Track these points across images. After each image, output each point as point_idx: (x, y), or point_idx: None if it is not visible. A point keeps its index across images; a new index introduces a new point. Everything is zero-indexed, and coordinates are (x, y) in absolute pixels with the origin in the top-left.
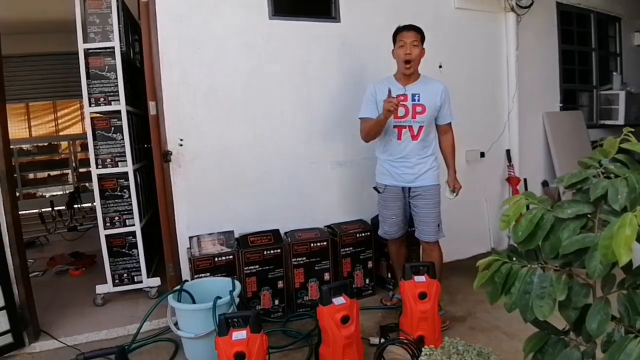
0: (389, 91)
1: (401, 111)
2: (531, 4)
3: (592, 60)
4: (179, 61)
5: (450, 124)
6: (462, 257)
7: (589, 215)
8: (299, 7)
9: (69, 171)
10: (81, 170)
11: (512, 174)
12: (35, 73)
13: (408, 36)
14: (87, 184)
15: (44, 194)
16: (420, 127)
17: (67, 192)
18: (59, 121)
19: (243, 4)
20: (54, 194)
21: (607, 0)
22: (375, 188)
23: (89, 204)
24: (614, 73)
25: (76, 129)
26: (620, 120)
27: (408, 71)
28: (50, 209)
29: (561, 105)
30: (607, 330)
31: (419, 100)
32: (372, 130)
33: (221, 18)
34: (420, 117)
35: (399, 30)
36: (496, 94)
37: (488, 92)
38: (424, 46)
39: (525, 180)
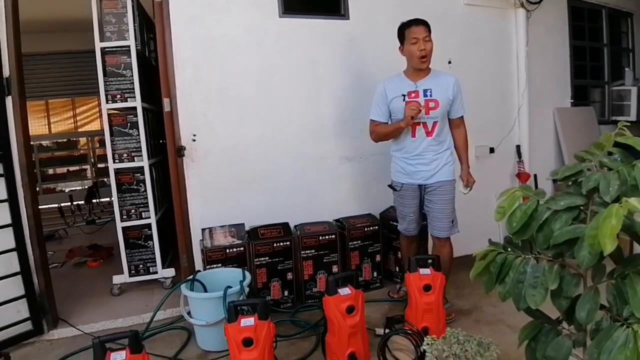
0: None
1: None
2: (541, 0)
3: (604, 56)
4: (192, 59)
5: (462, 117)
6: (470, 252)
7: (581, 208)
8: (309, 4)
9: (88, 167)
10: (99, 165)
11: (522, 169)
12: (54, 71)
13: (419, 31)
14: (105, 179)
15: (63, 189)
16: (435, 123)
17: (86, 187)
18: (78, 118)
19: (254, 2)
20: (73, 188)
21: None
22: (390, 186)
23: (107, 199)
24: (626, 69)
25: (95, 126)
26: (633, 117)
27: (424, 65)
28: (69, 203)
29: (572, 101)
30: (595, 319)
31: (431, 96)
32: (389, 136)
33: (232, 17)
34: (434, 113)
35: (407, 26)
36: (506, 89)
37: (498, 87)
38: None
39: (535, 176)
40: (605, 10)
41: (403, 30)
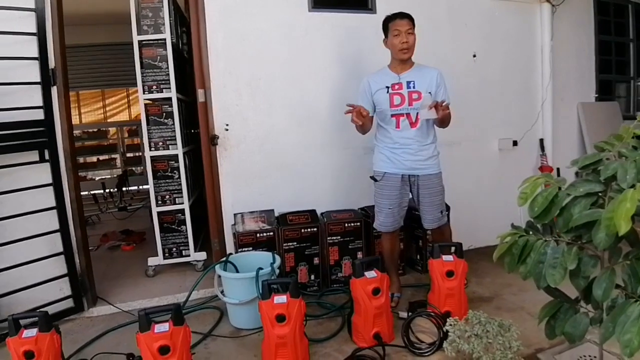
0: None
1: (397, 99)
2: None
3: (629, 51)
4: (225, 51)
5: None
6: (491, 244)
7: (599, 194)
8: None
9: (117, 156)
10: (128, 155)
11: (545, 163)
12: (85, 63)
13: (402, 24)
14: (133, 168)
15: (93, 177)
16: (418, 114)
17: (115, 175)
18: (107, 109)
19: None
20: (103, 177)
21: None
22: (372, 177)
23: (135, 187)
24: None
25: (123, 116)
26: None
27: (405, 56)
28: (102, 190)
29: (597, 95)
30: (611, 296)
31: (414, 87)
32: (357, 128)
33: (264, 11)
34: (417, 104)
35: (391, 19)
36: (530, 83)
37: (522, 81)
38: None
39: (558, 169)
40: (632, 5)
41: (387, 23)
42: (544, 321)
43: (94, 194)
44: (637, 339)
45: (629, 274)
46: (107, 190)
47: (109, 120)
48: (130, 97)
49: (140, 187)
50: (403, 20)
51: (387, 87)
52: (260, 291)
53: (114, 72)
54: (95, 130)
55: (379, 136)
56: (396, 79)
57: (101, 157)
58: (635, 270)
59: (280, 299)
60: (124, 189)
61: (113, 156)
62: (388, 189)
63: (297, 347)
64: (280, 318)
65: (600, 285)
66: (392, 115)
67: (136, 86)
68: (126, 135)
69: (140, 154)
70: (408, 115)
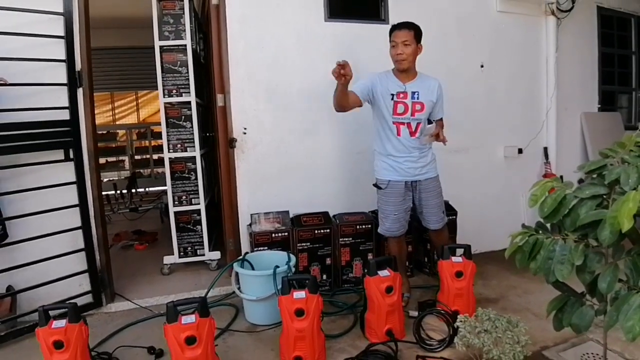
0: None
1: (401, 108)
2: (571, 8)
3: (631, 63)
4: (245, 58)
5: (441, 119)
6: (496, 248)
7: (604, 196)
8: (352, 10)
9: (126, 158)
10: (136, 157)
11: (549, 170)
12: (95, 65)
13: (399, 36)
14: (141, 171)
15: (101, 179)
16: (418, 124)
17: (123, 177)
18: (116, 111)
19: (302, 7)
20: (111, 179)
21: None
22: (375, 185)
23: (143, 189)
24: None
25: (131, 119)
26: None
27: (400, 67)
28: (114, 191)
29: (600, 106)
30: (615, 289)
31: (418, 98)
32: (337, 97)
33: (282, 20)
34: (419, 115)
35: (392, 30)
36: (535, 93)
37: (527, 91)
38: (420, 43)
39: (561, 177)
40: (634, 18)
41: (390, 33)
42: (549, 321)
43: (107, 195)
44: (639, 325)
45: (631, 269)
46: (119, 192)
47: (117, 123)
48: (139, 100)
49: (148, 188)
50: (401, 31)
51: (392, 95)
52: (280, 287)
53: (124, 75)
54: (104, 132)
55: (379, 144)
56: (402, 88)
57: (109, 159)
58: (637, 265)
59: (300, 294)
60: (133, 190)
61: (121, 158)
62: (393, 196)
63: (315, 340)
64: (300, 312)
65: (604, 279)
66: (394, 123)
67: (146, 89)
68: (135, 137)
69: (149, 156)
70: (409, 124)
